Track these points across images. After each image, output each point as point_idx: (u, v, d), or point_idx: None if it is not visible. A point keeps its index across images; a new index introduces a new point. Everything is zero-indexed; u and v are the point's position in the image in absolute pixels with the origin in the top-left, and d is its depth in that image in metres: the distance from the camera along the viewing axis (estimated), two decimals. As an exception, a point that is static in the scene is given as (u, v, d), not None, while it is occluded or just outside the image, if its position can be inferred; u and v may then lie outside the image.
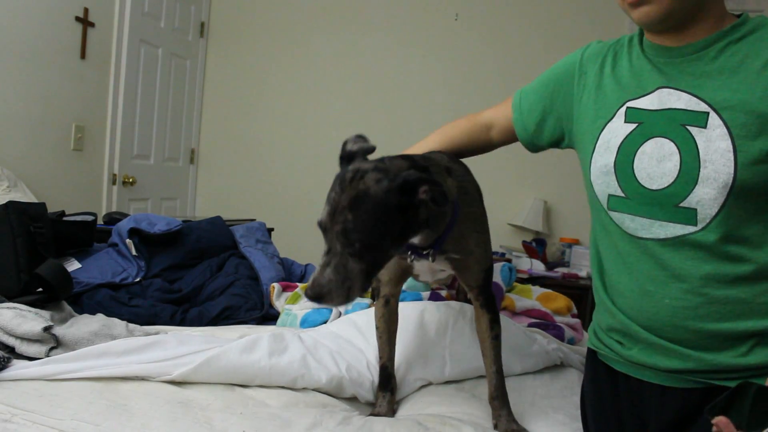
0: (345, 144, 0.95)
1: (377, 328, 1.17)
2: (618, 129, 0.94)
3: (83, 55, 3.01)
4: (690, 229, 0.86)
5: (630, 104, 0.94)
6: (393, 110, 3.66)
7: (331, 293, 0.83)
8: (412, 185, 0.83)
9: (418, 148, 1.21)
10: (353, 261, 0.83)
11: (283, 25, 3.87)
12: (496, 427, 1.06)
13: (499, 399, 1.08)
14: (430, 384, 1.26)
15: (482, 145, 1.25)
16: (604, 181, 0.95)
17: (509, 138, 1.22)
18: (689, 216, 0.86)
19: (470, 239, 1.04)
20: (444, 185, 0.87)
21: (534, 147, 1.18)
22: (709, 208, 0.84)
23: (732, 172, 0.82)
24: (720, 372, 0.86)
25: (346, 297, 0.84)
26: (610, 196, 0.94)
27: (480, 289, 1.09)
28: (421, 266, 1.09)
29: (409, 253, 1.01)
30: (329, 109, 3.78)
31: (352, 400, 1.17)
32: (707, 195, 0.83)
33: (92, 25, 3.04)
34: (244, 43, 3.95)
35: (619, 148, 0.93)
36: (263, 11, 3.91)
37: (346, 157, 0.93)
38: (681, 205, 0.86)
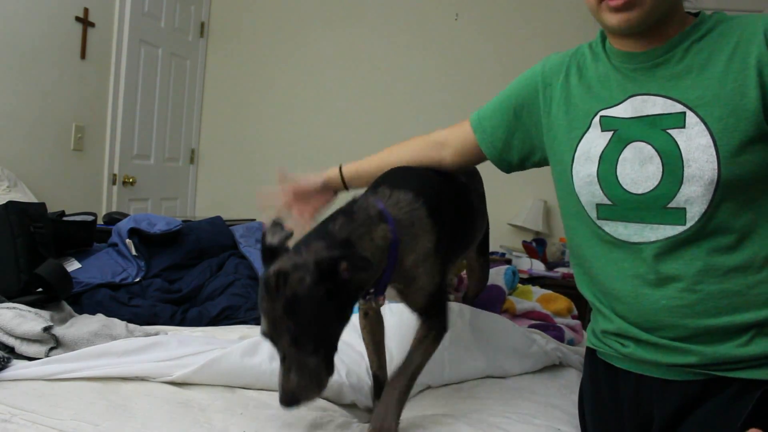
0: (264, 236, 0.91)
1: (363, 338, 1.16)
2: (596, 138, 0.94)
3: (83, 55, 3.01)
4: (679, 229, 0.87)
5: (603, 113, 0.94)
6: (393, 110, 3.66)
7: (304, 394, 0.86)
8: (330, 270, 0.84)
9: (363, 163, 1.26)
10: (311, 358, 0.85)
11: (283, 25, 3.87)
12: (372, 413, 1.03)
13: (395, 396, 1.00)
14: (429, 387, 1.26)
15: (432, 164, 1.22)
16: (589, 191, 0.95)
17: (462, 157, 1.19)
18: (678, 216, 0.86)
19: (417, 269, 1.01)
20: (366, 245, 0.92)
21: (505, 164, 1.15)
22: (698, 205, 0.84)
23: (716, 167, 0.82)
24: (722, 364, 0.86)
25: (318, 389, 0.87)
26: (598, 205, 0.94)
27: (420, 310, 1.06)
28: None
29: None
30: (329, 108, 3.78)
31: (352, 406, 1.16)
32: (695, 193, 0.84)
33: (92, 25, 3.04)
34: (244, 43, 3.95)
35: (600, 157, 0.93)
36: (263, 11, 3.91)
37: (268, 252, 0.90)
38: (669, 206, 0.87)
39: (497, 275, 1.80)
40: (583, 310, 2.91)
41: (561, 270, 3.17)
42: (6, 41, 2.59)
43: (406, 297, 1.06)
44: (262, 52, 3.92)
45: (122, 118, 3.30)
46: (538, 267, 3.19)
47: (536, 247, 3.30)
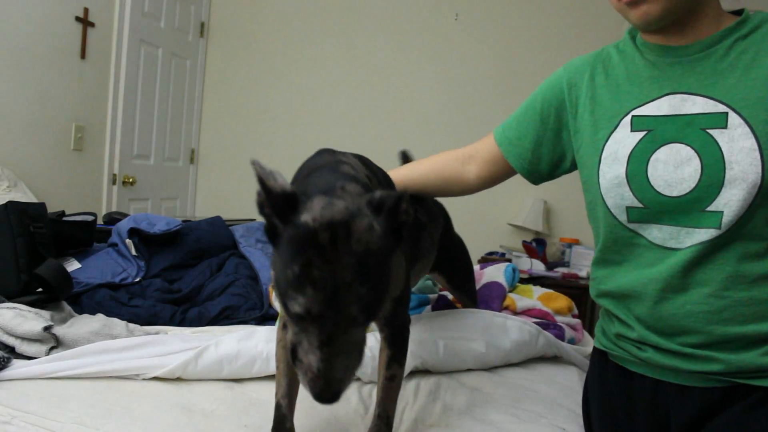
0: (264, 180, 0.67)
1: (275, 355, 0.95)
2: (624, 139, 0.91)
3: (83, 55, 3.01)
4: (713, 233, 0.84)
5: (635, 112, 0.91)
6: (393, 110, 3.66)
7: (347, 379, 0.65)
8: (395, 212, 0.66)
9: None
10: (361, 330, 0.66)
11: (283, 25, 3.87)
12: None
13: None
14: (428, 372, 1.26)
15: (454, 180, 1.17)
16: (618, 193, 0.91)
17: (488, 172, 1.15)
18: (714, 220, 0.84)
19: None
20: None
21: (535, 176, 1.11)
22: (737, 210, 0.82)
23: (760, 171, 0.80)
24: (745, 372, 0.85)
25: (358, 366, 0.68)
26: (628, 208, 0.91)
27: (386, 320, 0.92)
28: None
29: None
30: (329, 108, 3.78)
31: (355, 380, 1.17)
32: (735, 197, 0.82)
33: (92, 25, 3.04)
34: (244, 43, 3.95)
35: (629, 157, 0.90)
36: (263, 11, 3.91)
37: (284, 200, 0.66)
38: (708, 209, 0.84)
39: (497, 272, 1.80)
40: (584, 309, 2.91)
41: (561, 270, 3.17)
42: (6, 41, 2.59)
43: None
44: (262, 52, 3.92)
45: (122, 118, 3.31)
46: (538, 267, 3.19)
47: (536, 247, 3.30)
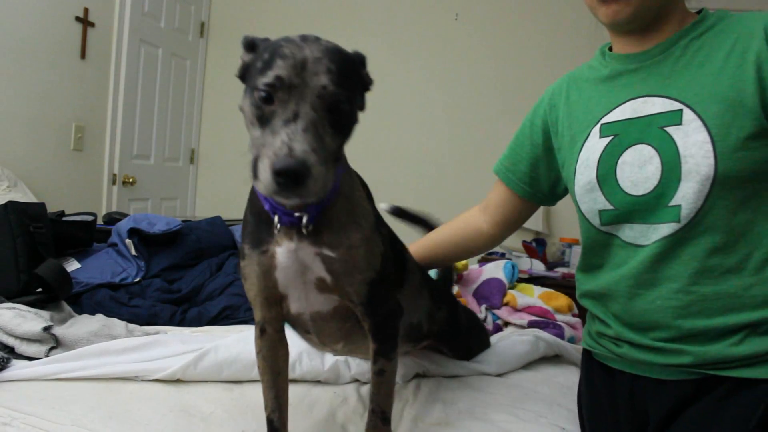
0: (248, 40, 0.73)
1: (258, 367, 0.90)
2: (594, 145, 0.95)
3: (83, 55, 3.01)
4: (674, 227, 0.87)
5: (603, 120, 0.95)
6: (392, 110, 3.66)
7: (317, 172, 0.61)
8: (362, 62, 0.76)
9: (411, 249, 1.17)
10: (331, 134, 0.66)
11: (283, 25, 3.87)
12: None
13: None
14: (419, 376, 1.26)
15: (470, 234, 1.23)
16: (591, 198, 0.95)
17: (500, 215, 1.19)
18: (674, 213, 0.86)
19: (351, 233, 0.80)
20: None
21: (539, 196, 1.15)
22: (694, 202, 0.84)
23: (712, 163, 0.82)
24: (714, 363, 0.87)
25: (324, 184, 0.62)
26: (600, 211, 0.95)
27: (365, 308, 0.83)
28: (287, 267, 0.80)
29: (277, 218, 0.77)
30: (329, 109, 3.78)
31: (352, 382, 1.17)
32: (691, 189, 0.84)
33: (92, 25, 3.04)
34: (244, 43, 3.95)
35: (598, 162, 0.94)
36: (263, 11, 3.91)
37: (259, 39, 0.72)
38: (670, 204, 0.87)
39: (497, 268, 1.81)
40: (583, 309, 2.91)
41: (561, 270, 3.16)
42: (6, 41, 2.59)
43: (339, 277, 0.80)
44: (262, 52, 3.92)
45: (122, 118, 3.31)
46: (538, 267, 3.19)
47: (536, 247, 3.29)
